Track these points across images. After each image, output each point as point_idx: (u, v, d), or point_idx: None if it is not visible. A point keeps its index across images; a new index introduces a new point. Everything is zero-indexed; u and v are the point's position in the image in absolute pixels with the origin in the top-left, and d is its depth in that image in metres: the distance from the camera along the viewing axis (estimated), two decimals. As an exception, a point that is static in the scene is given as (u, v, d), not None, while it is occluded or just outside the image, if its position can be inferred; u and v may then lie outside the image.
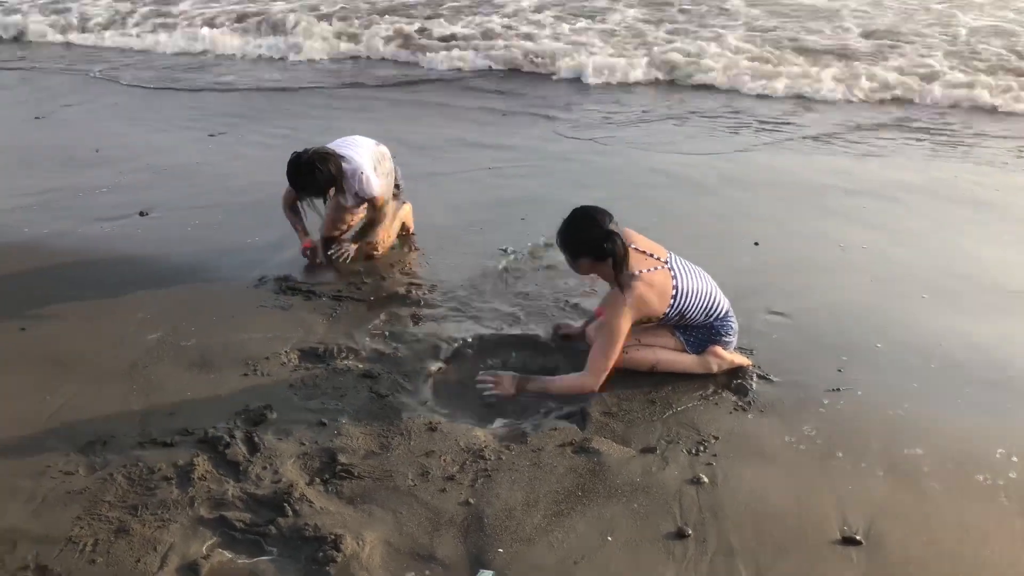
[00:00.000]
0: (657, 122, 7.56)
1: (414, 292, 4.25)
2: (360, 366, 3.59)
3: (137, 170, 6.17)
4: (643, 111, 7.91)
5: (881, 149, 6.69)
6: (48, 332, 3.90)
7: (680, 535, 2.65)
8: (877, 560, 2.55)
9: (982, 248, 4.78)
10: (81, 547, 2.58)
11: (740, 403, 3.35)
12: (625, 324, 3.37)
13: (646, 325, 3.55)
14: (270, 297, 4.24)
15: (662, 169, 6.12)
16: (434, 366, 3.65)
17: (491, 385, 3.47)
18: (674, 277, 3.42)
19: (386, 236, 4.72)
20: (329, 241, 4.75)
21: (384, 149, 4.70)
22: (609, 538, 2.64)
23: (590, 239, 3.34)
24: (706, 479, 2.89)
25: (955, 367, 3.59)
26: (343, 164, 4.39)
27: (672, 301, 3.41)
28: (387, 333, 3.87)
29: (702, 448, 3.07)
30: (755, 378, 3.50)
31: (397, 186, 4.79)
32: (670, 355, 3.54)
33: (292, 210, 4.66)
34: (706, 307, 3.48)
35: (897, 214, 5.30)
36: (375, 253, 4.67)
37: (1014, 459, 3.02)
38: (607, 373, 3.40)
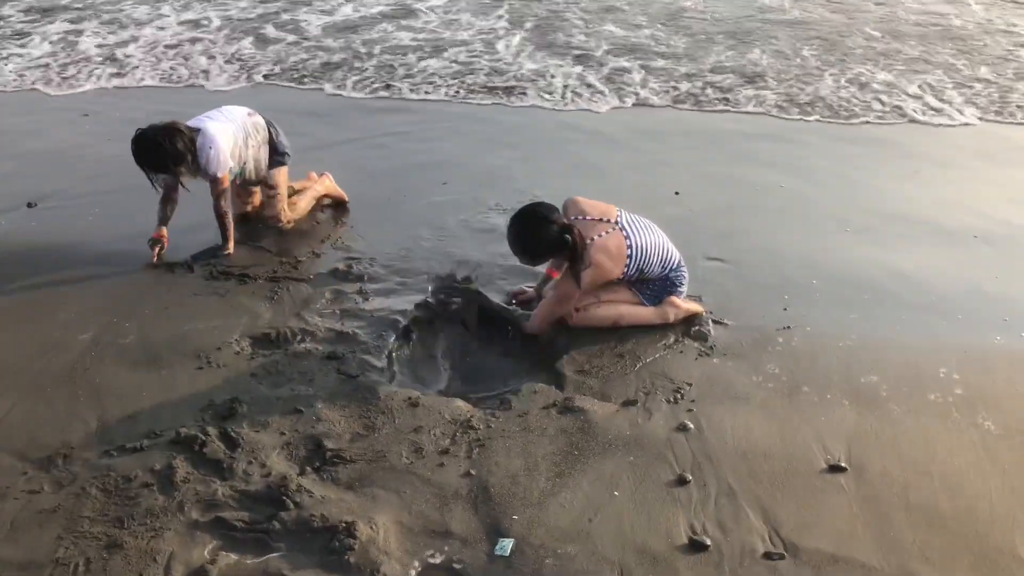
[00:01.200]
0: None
1: (355, 267, 4.13)
2: (320, 348, 3.47)
3: (10, 157, 5.64)
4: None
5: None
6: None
7: (681, 481, 2.74)
8: (864, 484, 2.73)
9: (884, 183, 5.09)
10: (72, 568, 2.41)
11: (703, 349, 3.47)
12: (576, 292, 3.44)
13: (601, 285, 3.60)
14: (201, 284, 4.02)
15: (572, 124, 6.15)
16: (394, 340, 3.57)
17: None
18: (627, 237, 3.48)
19: (291, 209, 4.56)
20: (243, 218, 4.55)
21: (259, 119, 4.40)
22: (616, 492, 2.70)
23: (549, 239, 3.36)
24: (692, 425, 2.99)
25: (888, 296, 3.85)
26: (197, 138, 4.08)
27: (628, 261, 3.48)
28: (337, 312, 3.76)
29: (679, 396, 3.16)
30: (711, 324, 3.63)
31: (284, 154, 4.51)
32: (630, 309, 3.62)
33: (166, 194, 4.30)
34: (662, 260, 3.57)
35: (800, 155, 5.57)
36: (281, 225, 4.51)
37: (955, 376, 3.28)
38: (545, 326, 3.55)
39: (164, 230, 4.26)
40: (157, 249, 4.20)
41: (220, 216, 4.26)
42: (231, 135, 4.22)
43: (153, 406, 3.12)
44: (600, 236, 3.43)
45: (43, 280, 4.05)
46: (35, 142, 5.85)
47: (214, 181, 4.18)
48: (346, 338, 3.55)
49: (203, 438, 2.91)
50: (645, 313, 3.62)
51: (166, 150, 3.99)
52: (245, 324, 3.65)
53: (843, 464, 2.80)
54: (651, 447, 2.90)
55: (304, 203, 4.66)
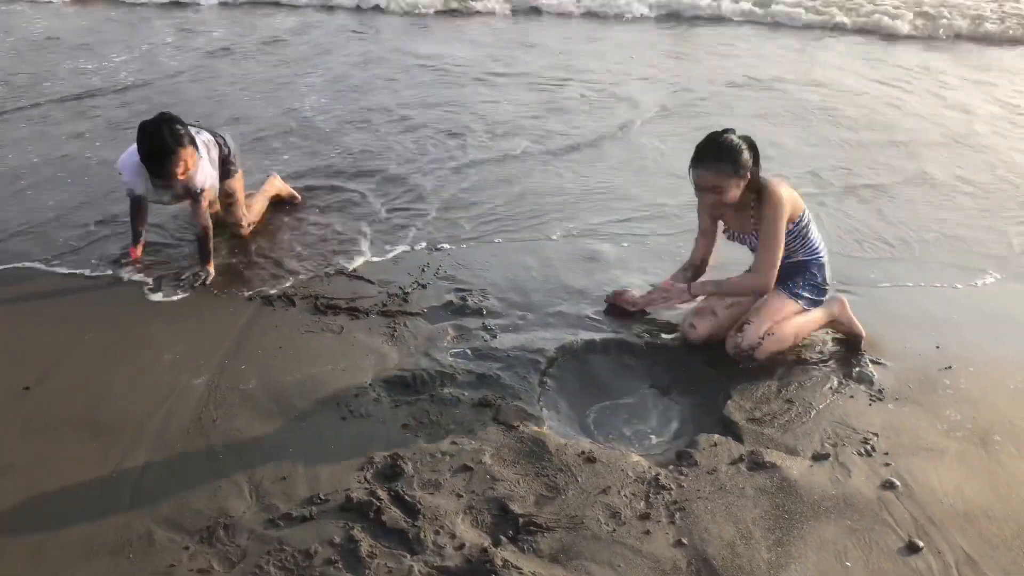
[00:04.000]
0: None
1: (469, 300, 3.86)
2: (466, 394, 3.20)
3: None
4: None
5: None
6: (57, 389, 3.22)
7: (913, 548, 2.53)
8: (1111, 548, 2.54)
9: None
10: (278, 667, 2.11)
11: (872, 393, 3.27)
12: (784, 223, 3.31)
13: (758, 304, 3.43)
14: (309, 319, 3.72)
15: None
16: (539, 384, 3.32)
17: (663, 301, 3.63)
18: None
19: (251, 213, 4.46)
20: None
21: (207, 135, 4.21)
22: (848, 563, 2.48)
23: (751, 153, 3.27)
24: (898, 483, 2.78)
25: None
26: None
27: (802, 213, 3.44)
28: (468, 351, 3.49)
29: (870, 448, 2.96)
30: (870, 364, 3.43)
31: (232, 163, 4.33)
32: (803, 319, 3.49)
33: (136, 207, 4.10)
34: (815, 228, 3.53)
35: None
36: (242, 232, 4.39)
37: None
38: (775, 271, 3.35)
39: (140, 249, 4.09)
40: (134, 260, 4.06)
41: (206, 234, 4.07)
42: (204, 149, 4.04)
43: (306, 465, 2.82)
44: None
45: (126, 315, 3.71)
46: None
47: (198, 196, 3.98)
48: (489, 382, 3.28)
49: (377, 504, 2.62)
50: (817, 316, 3.53)
51: (176, 132, 3.78)
52: (374, 366, 3.37)
53: (1080, 526, 2.61)
54: (864, 509, 2.68)
55: (258, 206, 4.56)
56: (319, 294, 3.89)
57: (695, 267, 3.70)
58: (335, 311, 3.77)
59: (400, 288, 3.97)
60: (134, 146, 3.92)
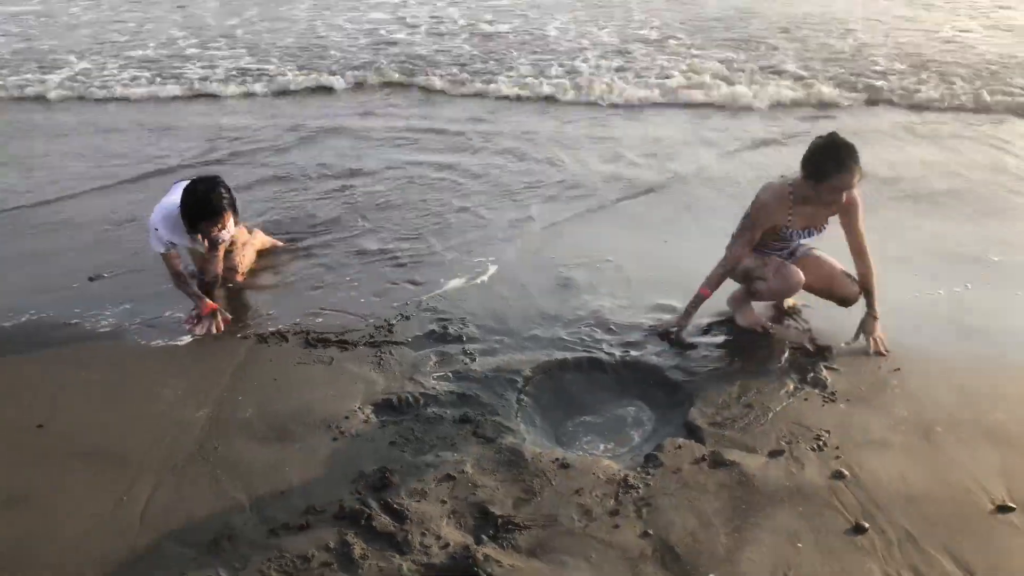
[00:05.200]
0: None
1: (451, 328, 4.12)
2: (449, 412, 3.45)
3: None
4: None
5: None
6: (68, 426, 3.45)
7: (859, 529, 2.77)
8: (1038, 521, 2.78)
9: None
10: (282, 657, 2.33)
11: (825, 395, 3.52)
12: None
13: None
14: (300, 352, 3.97)
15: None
16: (516, 400, 3.57)
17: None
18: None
19: (245, 261, 4.75)
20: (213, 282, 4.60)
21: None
22: (799, 544, 2.72)
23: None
24: (847, 472, 3.03)
25: (974, 332, 3.94)
26: None
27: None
28: (450, 374, 3.74)
29: (822, 444, 3.20)
30: (824, 369, 3.69)
31: (236, 212, 4.61)
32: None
33: (180, 274, 4.37)
34: None
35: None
36: (236, 278, 4.66)
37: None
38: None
39: (213, 302, 4.31)
40: (220, 320, 4.23)
41: (217, 281, 4.49)
42: None
43: (302, 481, 3.06)
44: None
45: (131, 359, 3.95)
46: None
47: (217, 244, 4.39)
48: (469, 401, 3.53)
49: (368, 511, 2.86)
50: None
51: (223, 196, 4.16)
52: (363, 392, 3.61)
53: (1010, 504, 2.85)
54: (815, 496, 2.93)
55: (251, 254, 4.85)
56: (310, 330, 4.15)
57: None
58: (325, 344, 4.02)
59: (385, 320, 4.22)
60: (167, 202, 4.28)
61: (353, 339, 4.06)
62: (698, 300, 3.95)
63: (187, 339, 4.12)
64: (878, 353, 3.78)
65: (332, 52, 10.48)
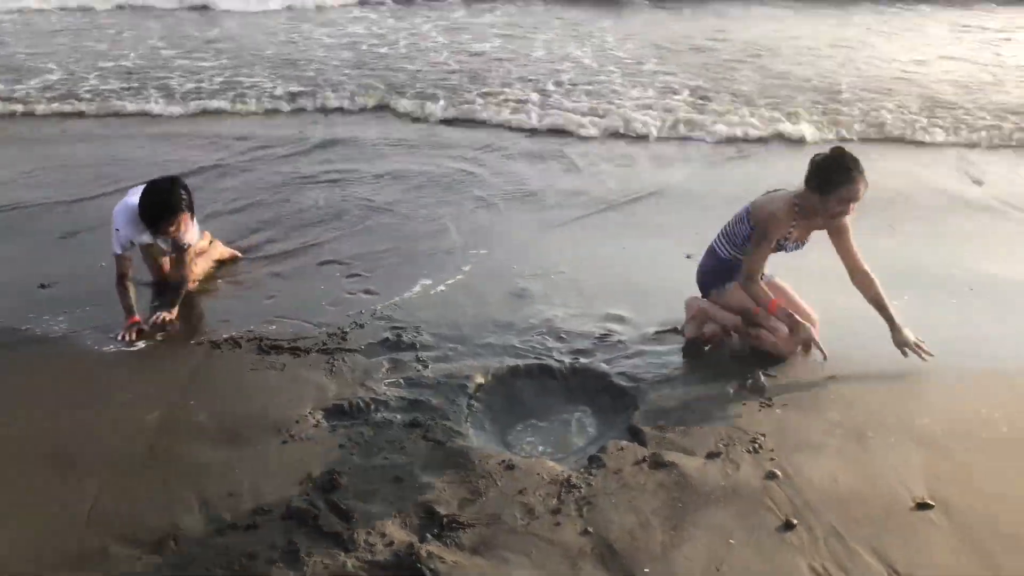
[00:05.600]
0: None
1: (404, 336, 4.19)
2: (399, 417, 3.52)
3: None
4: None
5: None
6: (19, 430, 3.47)
7: (788, 526, 2.89)
8: (954, 518, 2.93)
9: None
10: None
11: (763, 401, 3.65)
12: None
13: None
14: (254, 359, 4.02)
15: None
16: (466, 405, 3.65)
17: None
18: None
19: (197, 270, 4.79)
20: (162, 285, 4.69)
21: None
22: (732, 541, 2.83)
23: None
24: (780, 473, 3.15)
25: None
26: None
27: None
28: (402, 380, 3.81)
29: (758, 447, 3.33)
30: (762, 376, 3.82)
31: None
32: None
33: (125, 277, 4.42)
34: None
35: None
36: (191, 287, 4.69)
37: (996, 415, 3.53)
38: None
39: (137, 316, 4.31)
40: (136, 332, 4.23)
41: (183, 284, 4.54)
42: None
43: (251, 482, 3.11)
44: None
45: (84, 363, 3.97)
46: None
47: (184, 250, 4.46)
48: (420, 406, 3.60)
49: (315, 511, 2.92)
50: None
51: (181, 196, 4.25)
52: (314, 397, 3.67)
53: (930, 501, 3.00)
54: (749, 496, 3.04)
55: (204, 264, 4.88)
56: (263, 336, 4.20)
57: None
58: (278, 351, 4.07)
59: (339, 328, 4.28)
60: (128, 200, 4.39)
61: (306, 346, 4.12)
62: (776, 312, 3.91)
63: (140, 344, 4.15)
64: (923, 356, 3.82)
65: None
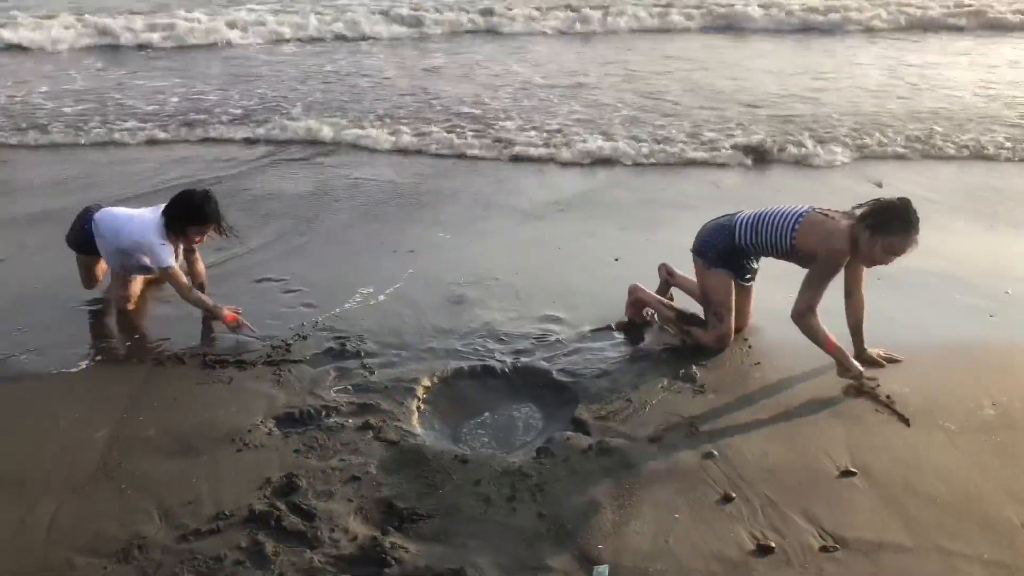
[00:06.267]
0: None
1: (348, 345, 4.28)
2: (351, 421, 3.61)
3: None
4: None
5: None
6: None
7: (727, 499, 3.11)
8: (874, 482, 3.21)
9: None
10: (201, 648, 2.44)
11: (696, 388, 3.89)
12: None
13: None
14: (200, 374, 4.05)
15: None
16: (415, 406, 3.77)
17: None
18: None
19: (136, 288, 4.84)
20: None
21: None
22: (676, 515, 3.03)
23: None
24: (716, 452, 3.38)
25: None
26: None
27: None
28: (350, 387, 3.90)
29: (694, 429, 3.55)
30: (693, 366, 4.06)
31: None
32: None
33: (189, 285, 4.55)
34: None
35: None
36: (128, 307, 4.70)
37: (907, 390, 3.84)
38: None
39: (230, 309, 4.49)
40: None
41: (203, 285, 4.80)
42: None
43: (209, 490, 3.16)
44: None
45: (20, 384, 3.94)
46: None
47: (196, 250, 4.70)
48: (371, 409, 3.70)
49: (277, 512, 2.99)
50: None
51: (216, 207, 4.51)
52: (264, 407, 3.73)
53: (852, 469, 3.27)
54: (689, 474, 3.26)
55: (139, 284, 4.87)
56: (207, 352, 4.22)
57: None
58: (223, 365, 4.11)
59: (283, 341, 4.34)
60: (145, 217, 4.50)
61: (251, 359, 4.16)
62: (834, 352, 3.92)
63: (83, 365, 4.12)
64: (891, 360, 4.03)
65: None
